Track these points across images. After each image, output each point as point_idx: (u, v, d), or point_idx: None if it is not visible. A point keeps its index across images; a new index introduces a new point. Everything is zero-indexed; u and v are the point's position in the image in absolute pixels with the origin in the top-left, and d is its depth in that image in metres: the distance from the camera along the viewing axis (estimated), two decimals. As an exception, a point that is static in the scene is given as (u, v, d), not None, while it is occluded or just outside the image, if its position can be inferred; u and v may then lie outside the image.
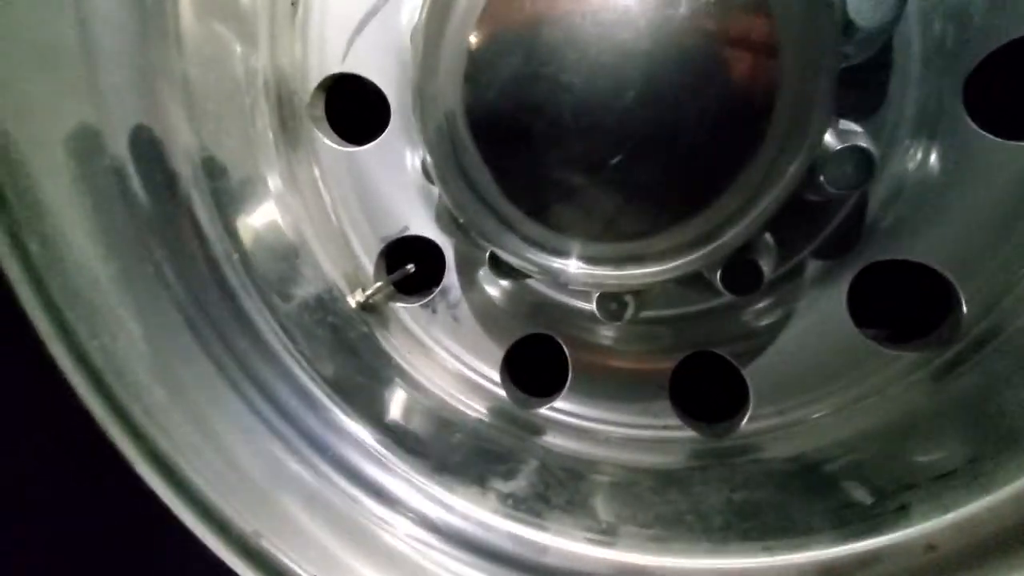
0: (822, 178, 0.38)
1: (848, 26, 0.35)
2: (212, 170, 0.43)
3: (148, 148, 0.38)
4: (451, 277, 0.58)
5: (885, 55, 0.41)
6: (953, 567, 0.30)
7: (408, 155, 0.56)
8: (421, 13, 0.39)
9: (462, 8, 0.38)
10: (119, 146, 0.37)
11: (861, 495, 0.36)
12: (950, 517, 0.31)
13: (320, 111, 0.56)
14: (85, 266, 0.35)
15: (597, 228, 0.36)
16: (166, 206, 0.39)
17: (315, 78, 0.54)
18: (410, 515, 0.41)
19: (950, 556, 0.30)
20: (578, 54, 0.33)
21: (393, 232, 0.57)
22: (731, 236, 0.35)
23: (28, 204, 0.32)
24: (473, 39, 0.37)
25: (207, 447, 0.37)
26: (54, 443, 0.35)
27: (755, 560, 0.35)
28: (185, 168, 0.40)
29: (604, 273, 0.37)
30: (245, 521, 0.36)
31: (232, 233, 0.43)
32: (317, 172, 0.55)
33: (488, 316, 0.58)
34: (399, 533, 0.40)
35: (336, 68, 0.54)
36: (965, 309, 0.42)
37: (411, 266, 0.60)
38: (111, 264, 0.36)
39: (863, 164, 0.38)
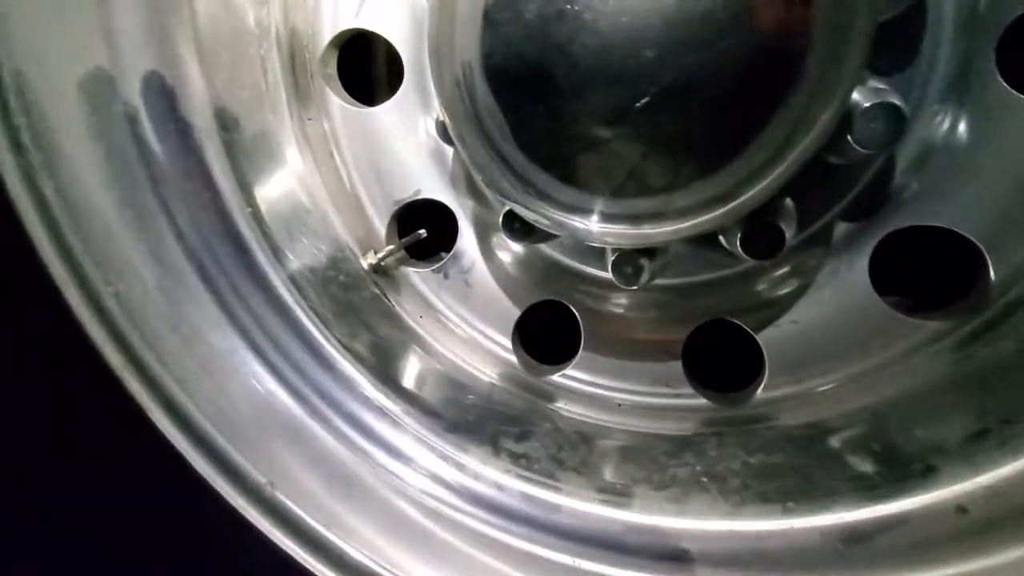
0: (850, 137, 0.37)
1: None
2: (225, 121, 0.42)
3: (161, 96, 0.38)
4: (463, 242, 0.57)
5: (917, 11, 0.39)
6: (985, 530, 0.29)
7: (421, 117, 0.55)
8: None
9: None
10: (132, 92, 0.36)
11: (884, 459, 0.35)
12: (982, 479, 0.30)
13: (332, 69, 0.55)
14: (99, 213, 0.35)
15: (619, 181, 0.35)
16: (179, 156, 0.38)
17: (327, 34, 0.53)
18: (422, 472, 0.41)
19: (982, 519, 0.30)
20: (602, 3, 0.32)
21: (405, 195, 0.57)
22: (758, 190, 0.34)
23: (44, 148, 0.32)
24: None
25: (220, 398, 0.37)
26: (70, 390, 0.35)
27: (775, 522, 0.35)
28: (198, 118, 0.40)
29: (626, 230, 0.36)
30: (259, 471, 0.36)
31: (245, 187, 0.42)
32: (329, 131, 0.54)
33: (500, 282, 0.57)
34: (411, 490, 0.40)
35: (349, 24, 0.53)
36: (993, 275, 0.41)
37: (423, 231, 0.59)
38: (125, 212, 0.35)
39: (894, 121, 0.36)
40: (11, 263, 0.33)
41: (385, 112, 0.55)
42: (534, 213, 0.39)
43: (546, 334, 0.59)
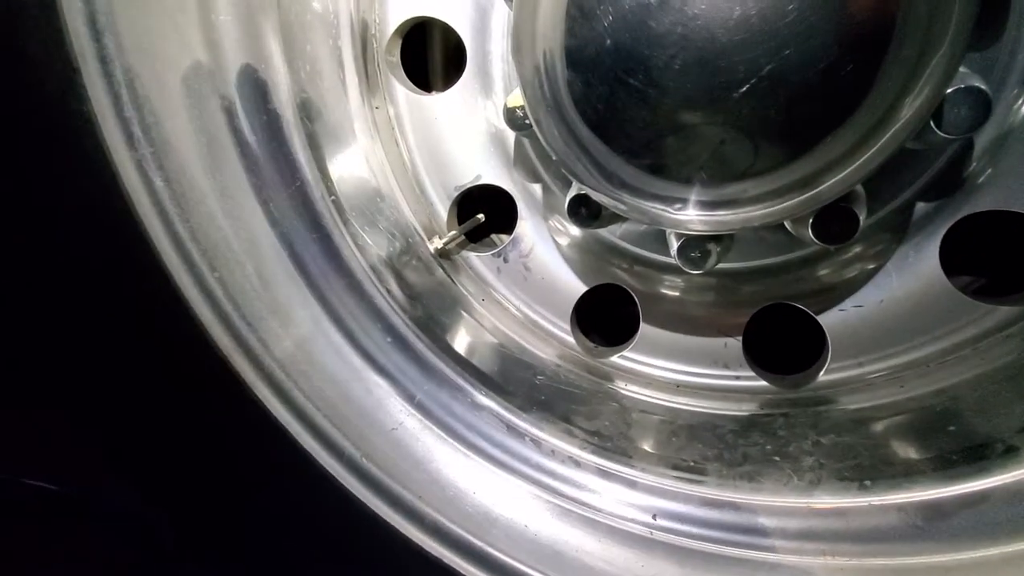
0: (933, 123, 0.37)
1: None
2: (309, 112, 0.43)
3: (254, 88, 0.39)
4: (523, 227, 0.58)
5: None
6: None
7: (482, 103, 0.56)
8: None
9: None
10: (228, 86, 0.38)
11: (962, 439, 0.36)
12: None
13: (396, 57, 0.56)
14: (203, 202, 0.36)
15: (702, 169, 0.36)
16: (270, 146, 0.40)
17: (393, 22, 0.54)
18: (499, 447, 0.43)
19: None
20: (680, 17, 0.32)
21: (466, 181, 0.58)
22: (837, 180, 0.35)
23: (153, 141, 0.33)
24: None
25: (314, 373, 0.40)
26: (180, 373, 0.37)
27: (852, 500, 0.36)
28: (286, 110, 0.41)
29: (707, 216, 0.37)
30: (351, 443, 0.38)
31: (326, 175, 0.44)
32: (394, 118, 0.55)
33: (558, 266, 0.58)
34: (488, 464, 0.41)
35: (414, 12, 0.54)
36: None
37: (481, 216, 0.61)
38: (226, 201, 0.37)
39: (979, 106, 0.36)
40: (124, 251, 0.35)
41: (447, 99, 0.56)
42: (610, 199, 0.40)
43: (604, 316, 0.60)
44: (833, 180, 0.37)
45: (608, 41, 0.35)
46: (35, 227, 0.35)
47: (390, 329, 0.44)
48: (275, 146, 0.40)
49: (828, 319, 0.49)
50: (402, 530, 0.38)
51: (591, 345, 0.59)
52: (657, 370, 0.56)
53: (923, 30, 0.31)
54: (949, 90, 0.36)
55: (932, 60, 0.32)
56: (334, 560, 0.40)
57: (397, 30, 0.54)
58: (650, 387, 0.54)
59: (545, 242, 0.58)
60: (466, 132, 0.57)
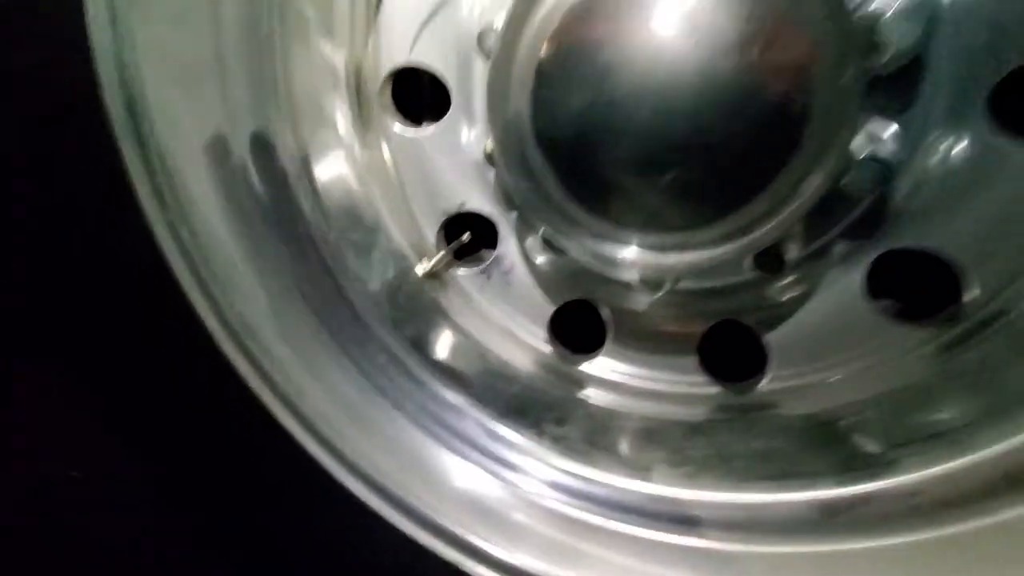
0: (843, 183, 0.43)
1: (881, 47, 0.40)
2: (309, 165, 0.49)
3: (263, 151, 0.45)
4: (503, 247, 0.64)
5: (917, 63, 0.44)
6: (936, 509, 0.37)
7: (465, 137, 0.61)
8: (504, 22, 0.44)
9: (537, 22, 0.42)
10: (242, 150, 0.44)
11: (863, 448, 0.43)
12: (935, 471, 0.38)
13: (388, 99, 0.61)
14: (222, 249, 0.43)
15: (648, 223, 0.42)
16: (279, 198, 0.46)
17: (385, 68, 0.60)
18: (481, 450, 0.50)
19: (933, 502, 0.38)
20: (637, 74, 0.38)
21: (452, 207, 0.64)
22: (767, 230, 0.41)
23: (181, 202, 0.40)
24: (544, 50, 0.43)
25: (324, 397, 0.46)
26: (208, 396, 0.44)
27: (771, 496, 0.43)
28: (291, 165, 0.47)
29: (653, 262, 0.43)
30: (358, 454, 0.46)
31: (327, 216, 0.50)
32: (388, 155, 0.61)
33: (536, 283, 0.65)
34: (474, 469, 0.49)
35: (403, 59, 0.59)
36: (973, 294, 0.47)
37: (467, 235, 0.67)
38: (241, 246, 0.44)
39: (880, 174, 0.43)
40: (156, 291, 0.41)
41: (435, 134, 0.62)
42: (571, 243, 0.46)
43: (578, 328, 0.67)
44: (764, 229, 0.43)
45: (565, 108, 0.42)
46: (88, 274, 0.42)
47: (387, 351, 0.51)
48: (283, 198, 0.47)
49: (771, 335, 0.56)
50: (396, 524, 0.45)
51: (566, 353, 0.66)
52: (623, 377, 0.63)
53: (830, 113, 0.37)
54: (859, 156, 0.43)
55: (837, 138, 0.38)
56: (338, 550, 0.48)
57: (388, 75, 0.60)
58: (617, 393, 0.61)
59: (524, 261, 0.65)
60: (452, 163, 0.63)
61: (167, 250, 0.40)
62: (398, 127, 0.62)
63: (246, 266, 0.44)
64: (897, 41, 0.41)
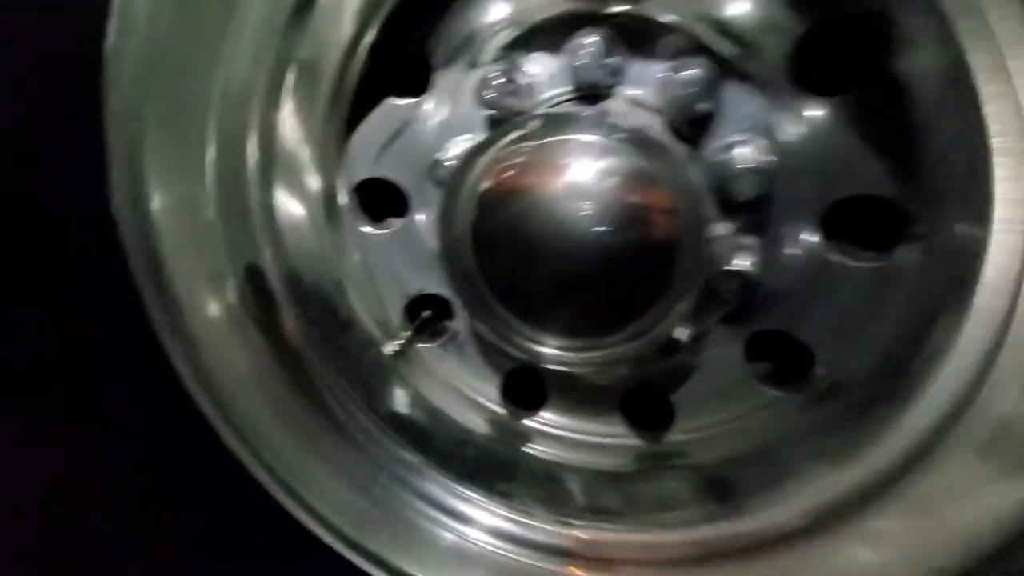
0: (716, 289, 0.57)
1: (731, 200, 0.53)
2: (293, 280, 0.60)
3: (256, 278, 0.55)
4: (458, 323, 0.76)
5: (767, 195, 0.58)
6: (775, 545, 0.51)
7: (422, 234, 0.73)
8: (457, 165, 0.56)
9: (478, 169, 0.54)
10: (239, 278, 0.54)
11: (723, 492, 0.57)
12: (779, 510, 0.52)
13: (356, 205, 0.72)
14: (224, 367, 0.53)
15: (561, 331, 0.55)
16: (271, 314, 0.56)
17: (353, 181, 0.71)
18: (437, 506, 0.61)
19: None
20: (548, 221, 0.51)
21: (413, 291, 0.75)
22: (653, 336, 0.54)
23: (190, 336, 0.50)
24: (482, 190, 0.54)
25: (309, 466, 0.57)
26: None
27: (664, 536, 0.56)
28: (279, 286, 0.58)
29: (564, 357, 0.56)
30: (346, 523, 0.56)
31: (312, 321, 0.61)
32: (357, 255, 0.72)
33: (487, 352, 0.76)
34: (440, 524, 0.60)
35: (367, 174, 0.70)
36: (819, 368, 0.61)
37: (427, 312, 0.78)
38: (246, 359, 0.54)
39: (743, 282, 0.57)
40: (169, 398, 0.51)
41: (396, 234, 0.73)
42: (501, 341, 0.58)
43: (525, 388, 0.79)
44: (656, 331, 0.56)
45: (496, 238, 0.54)
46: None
47: (360, 426, 0.62)
48: (274, 312, 0.57)
49: (677, 395, 0.70)
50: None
51: (516, 411, 0.77)
52: (562, 431, 0.75)
53: (692, 252, 0.50)
54: (722, 269, 0.57)
55: (699, 266, 0.52)
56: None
57: (356, 187, 0.71)
58: (557, 446, 0.74)
59: (476, 336, 0.76)
60: (412, 256, 0.74)
61: (181, 369, 0.50)
62: (366, 229, 0.73)
63: (249, 377, 0.54)
64: (745, 189, 0.55)
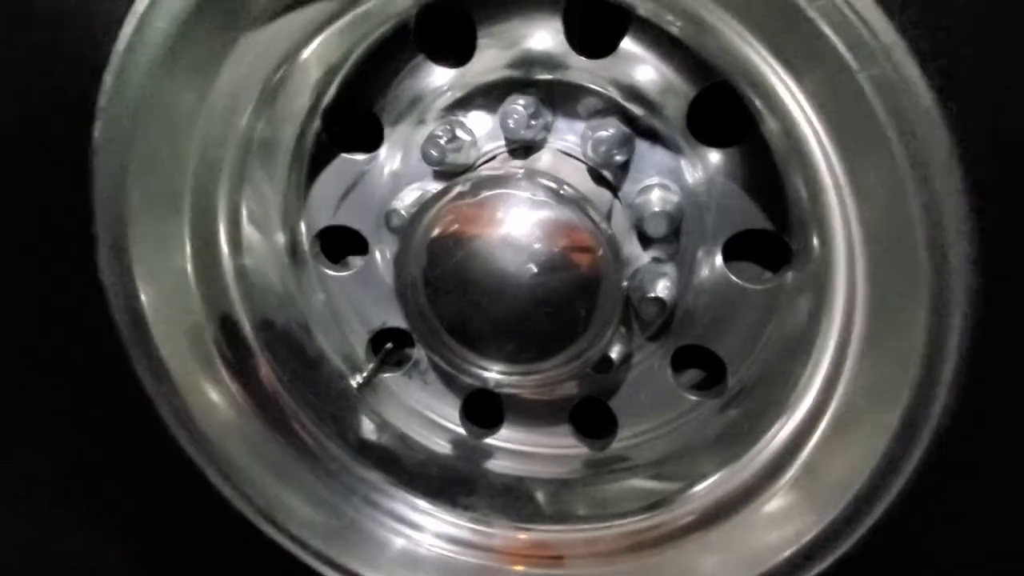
0: (641, 312, 0.66)
1: (648, 235, 0.63)
2: (264, 326, 0.66)
3: (230, 327, 0.61)
4: (420, 352, 0.83)
5: (677, 234, 0.68)
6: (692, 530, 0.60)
7: (382, 272, 0.80)
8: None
9: (427, 220, 0.62)
10: (214, 330, 0.60)
11: (664, 489, 0.66)
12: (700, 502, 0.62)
13: (318, 250, 0.79)
14: (208, 405, 0.59)
15: (504, 359, 0.63)
16: (246, 359, 0.62)
17: (314, 229, 0.78)
18: (411, 525, 0.68)
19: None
20: (488, 270, 0.59)
21: (375, 326, 0.82)
22: (585, 359, 0.63)
23: (176, 388, 0.55)
24: (432, 239, 0.62)
25: (286, 496, 0.63)
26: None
27: (605, 531, 0.64)
28: (249, 333, 0.64)
29: (509, 380, 0.64)
30: (320, 541, 0.62)
31: (282, 362, 0.67)
32: (320, 295, 0.78)
33: (448, 379, 0.84)
34: (408, 536, 0.67)
35: (328, 222, 0.77)
36: (731, 377, 0.71)
37: (390, 344, 0.85)
38: (225, 405, 0.60)
39: (661, 306, 0.66)
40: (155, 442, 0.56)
41: (358, 273, 0.80)
42: (451, 368, 0.66)
43: (484, 411, 0.86)
44: (588, 355, 0.65)
45: (444, 282, 0.62)
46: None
47: (329, 454, 0.68)
48: (249, 358, 0.64)
49: (616, 404, 0.78)
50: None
51: (476, 430, 0.85)
52: (518, 445, 0.83)
53: (610, 290, 0.59)
54: (645, 295, 0.66)
55: (614, 308, 0.61)
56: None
57: (317, 233, 0.78)
58: (513, 459, 0.81)
59: (435, 364, 0.84)
60: (374, 293, 0.81)
61: (172, 427, 0.56)
62: (329, 271, 0.80)
63: (231, 420, 0.60)
64: (659, 227, 0.65)
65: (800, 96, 0.44)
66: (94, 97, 0.50)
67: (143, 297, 0.54)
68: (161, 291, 0.56)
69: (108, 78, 0.51)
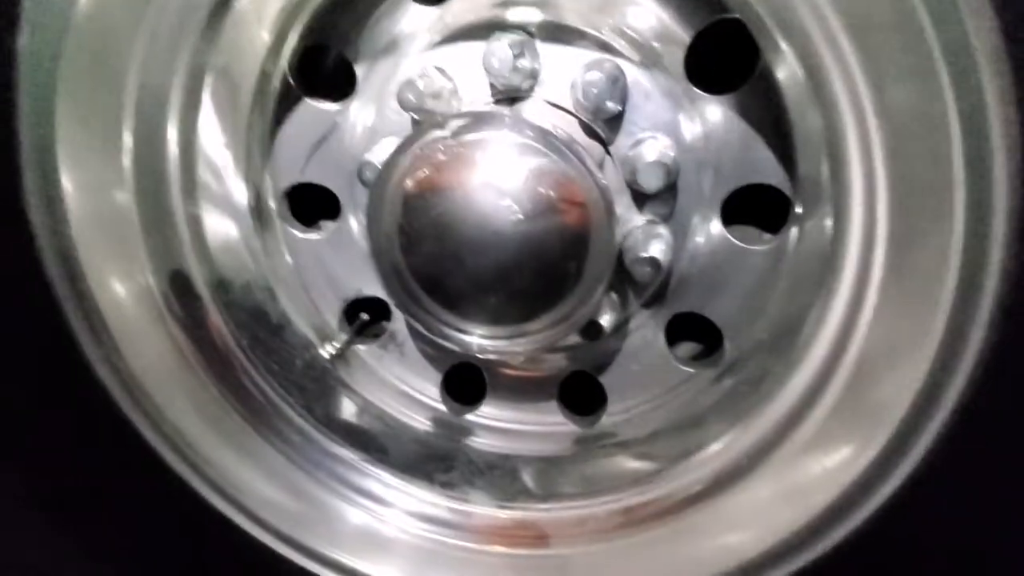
0: (634, 273, 0.61)
1: (642, 192, 0.58)
2: (222, 287, 0.60)
3: (182, 283, 0.55)
4: (396, 323, 0.77)
5: (672, 189, 0.63)
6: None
7: (356, 235, 0.74)
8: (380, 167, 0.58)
9: (401, 169, 0.57)
10: (164, 284, 0.54)
11: (657, 463, 0.61)
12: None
13: (286, 210, 0.73)
14: (155, 367, 0.52)
15: (487, 321, 0.57)
16: (198, 321, 0.56)
17: (282, 186, 0.71)
18: (378, 500, 0.62)
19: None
20: (470, 221, 0.54)
21: (350, 294, 0.76)
22: (572, 322, 0.58)
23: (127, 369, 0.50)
24: (407, 190, 0.57)
25: (248, 478, 0.57)
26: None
27: (593, 508, 0.59)
28: (204, 292, 0.58)
29: (492, 344, 0.59)
30: (280, 520, 0.57)
31: (241, 325, 0.61)
32: (288, 258, 0.72)
33: (427, 350, 0.78)
34: (378, 515, 0.61)
35: (296, 179, 0.71)
36: (727, 345, 0.67)
37: (365, 315, 0.79)
38: (169, 356, 0.53)
39: (656, 267, 0.61)
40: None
41: (329, 236, 0.74)
42: (431, 333, 0.61)
43: (463, 385, 0.81)
44: (577, 316, 0.59)
45: (422, 237, 0.56)
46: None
47: (299, 431, 0.63)
48: (201, 319, 0.58)
49: (606, 378, 0.73)
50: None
51: (456, 406, 0.79)
52: (501, 422, 0.77)
53: (601, 246, 0.54)
54: (639, 255, 0.61)
55: (609, 257, 0.56)
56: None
57: (285, 192, 0.71)
58: (496, 437, 0.76)
59: (414, 334, 0.78)
60: (347, 258, 0.75)
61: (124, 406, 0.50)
62: (298, 233, 0.73)
63: (173, 383, 0.54)
64: (652, 182, 0.60)
65: (827, 10, 0.39)
66: (17, 1, 0.43)
67: (75, 237, 0.48)
68: (99, 236, 0.50)
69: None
